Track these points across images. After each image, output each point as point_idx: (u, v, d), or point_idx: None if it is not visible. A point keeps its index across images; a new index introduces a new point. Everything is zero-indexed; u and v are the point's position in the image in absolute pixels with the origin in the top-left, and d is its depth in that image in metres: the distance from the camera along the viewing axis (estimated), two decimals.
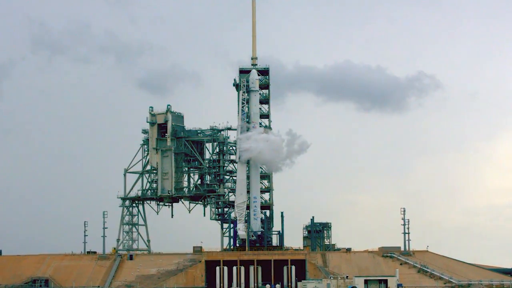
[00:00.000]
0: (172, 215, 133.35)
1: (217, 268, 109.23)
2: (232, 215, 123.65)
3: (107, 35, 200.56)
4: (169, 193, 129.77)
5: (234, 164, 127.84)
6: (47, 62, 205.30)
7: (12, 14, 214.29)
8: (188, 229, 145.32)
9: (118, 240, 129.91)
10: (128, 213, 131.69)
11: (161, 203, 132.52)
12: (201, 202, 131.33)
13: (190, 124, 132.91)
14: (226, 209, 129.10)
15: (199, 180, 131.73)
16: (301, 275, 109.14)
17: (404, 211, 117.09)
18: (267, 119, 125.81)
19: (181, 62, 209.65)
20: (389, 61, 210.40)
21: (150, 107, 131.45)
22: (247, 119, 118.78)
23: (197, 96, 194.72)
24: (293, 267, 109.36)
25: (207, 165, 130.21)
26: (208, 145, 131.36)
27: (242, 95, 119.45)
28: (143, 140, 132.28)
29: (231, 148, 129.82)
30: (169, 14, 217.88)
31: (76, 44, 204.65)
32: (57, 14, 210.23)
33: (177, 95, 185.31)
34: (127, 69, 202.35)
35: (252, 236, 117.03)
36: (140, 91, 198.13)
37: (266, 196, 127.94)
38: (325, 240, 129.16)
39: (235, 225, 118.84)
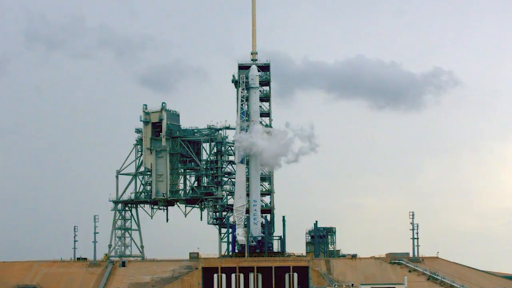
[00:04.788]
0: (167, 219, 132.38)
1: (215, 275, 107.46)
2: (231, 219, 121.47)
3: (106, 29, 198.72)
4: (164, 196, 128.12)
5: (233, 165, 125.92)
6: (43, 58, 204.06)
7: (6, 7, 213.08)
8: (184, 234, 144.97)
9: (110, 246, 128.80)
10: (120, 217, 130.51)
11: (156, 207, 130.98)
12: (198, 206, 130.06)
13: (187, 122, 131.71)
14: (224, 213, 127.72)
15: (196, 182, 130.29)
16: (304, 283, 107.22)
17: (413, 215, 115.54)
18: (268, 118, 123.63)
19: (183, 58, 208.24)
20: (404, 56, 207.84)
21: (144, 105, 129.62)
22: (247, 118, 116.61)
23: (198, 94, 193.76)
24: (295, 275, 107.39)
25: (204, 167, 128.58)
26: (205, 145, 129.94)
27: (241, 92, 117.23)
28: (136, 140, 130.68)
29: (229, 148, 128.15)
30: (169, 7, 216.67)
31: (74, 38, 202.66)
32: (54, 7, 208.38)
33: (177, 92, 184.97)
34: (125, 65, 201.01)
35: (252, 242, 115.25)
36: (137, 88, 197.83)
37: (266, 199, 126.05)
38: (329, 245, 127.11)
39: (234, 230, 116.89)
